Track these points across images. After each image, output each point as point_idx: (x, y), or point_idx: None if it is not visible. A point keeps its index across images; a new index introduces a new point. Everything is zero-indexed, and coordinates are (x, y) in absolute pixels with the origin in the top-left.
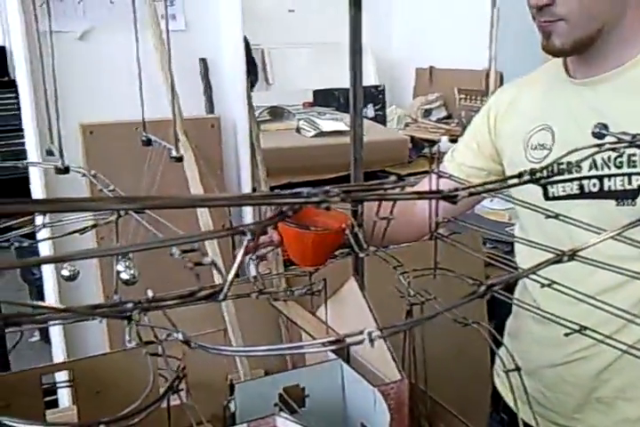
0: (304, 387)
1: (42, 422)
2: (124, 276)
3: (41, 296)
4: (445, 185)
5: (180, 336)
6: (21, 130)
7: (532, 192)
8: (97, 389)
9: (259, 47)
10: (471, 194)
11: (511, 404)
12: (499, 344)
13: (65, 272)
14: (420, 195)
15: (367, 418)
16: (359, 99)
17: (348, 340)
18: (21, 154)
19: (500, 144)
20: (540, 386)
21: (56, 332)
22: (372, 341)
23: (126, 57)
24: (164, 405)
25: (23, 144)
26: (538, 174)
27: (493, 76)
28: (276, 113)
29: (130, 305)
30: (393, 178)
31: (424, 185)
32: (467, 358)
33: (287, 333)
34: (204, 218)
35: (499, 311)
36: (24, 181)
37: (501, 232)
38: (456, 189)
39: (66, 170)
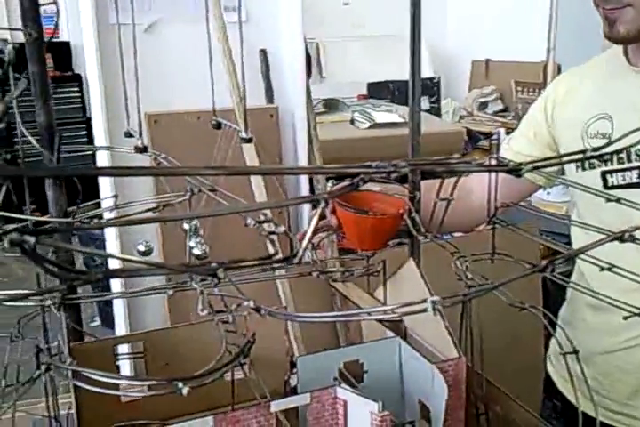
0: (363, 363)
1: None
2: (196, 251)
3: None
4: (503, 173)
5: (252, 303)
6: (84, 122)
7: (592, 181)
8: (166, 361)
9: (313, 41)
10: (535, 168)
11: (563, 390)
12: (554, 329)
13: (141, 247)
14: (487, 167)
15: (425, 395)
16: (417, 89)
17: (412, 308)
18: (85, 145)
19: (558, 133)
20: (594, 373)
21: (120, 312)
22: (435, 309)
23: (188, 48)
24: (229, 378)
25: (85, 135)
26: (597, 165)
27: (551, 69)
28: (331, 105)
29: (214, 264)
30: (457, 155)
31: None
32: (520, 345)
33: (339, 309)
34: (261, 197)
35: (552, 303)
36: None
37: (559, 217)
38: (520, 164)
39: (144, 149)
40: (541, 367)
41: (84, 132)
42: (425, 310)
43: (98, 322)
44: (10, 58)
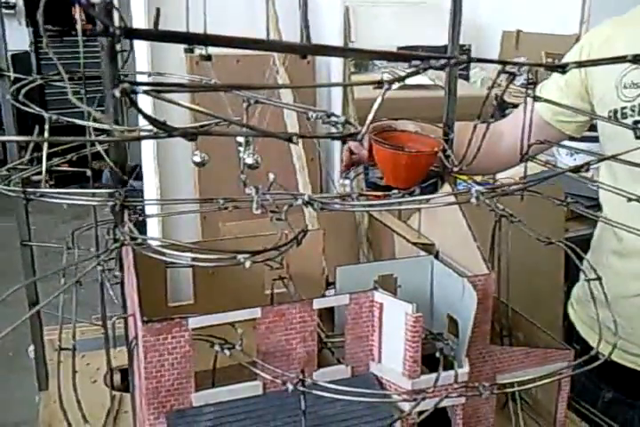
0: (397, 277)
1: (164, 295)
2: (249, 160)
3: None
4: (535, 119)
5: (306, 197)
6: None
7: (623, 130)
8: (211, 270)
9: (343, 4)
10: (580, 66)
11: (584, 335)
12: (580, 263)
13: (196, 158)
14: (535, 64)
15: (453, 309)
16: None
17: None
18: None
19: (591, 83)
20: (617, 317)
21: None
22: (477, 198)
23: None
24: (269, 291)
25: None
26: (629, 115)
27: None
28: (361, 65)
29: (285, 133)
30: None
31: (519, 112)
32: (541, 296)
33: (366, 255)
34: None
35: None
36: None
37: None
38: (566, 63)
39: (209, 57)
40: (559, 320)
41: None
42: (469, 201)
43: None
44: None
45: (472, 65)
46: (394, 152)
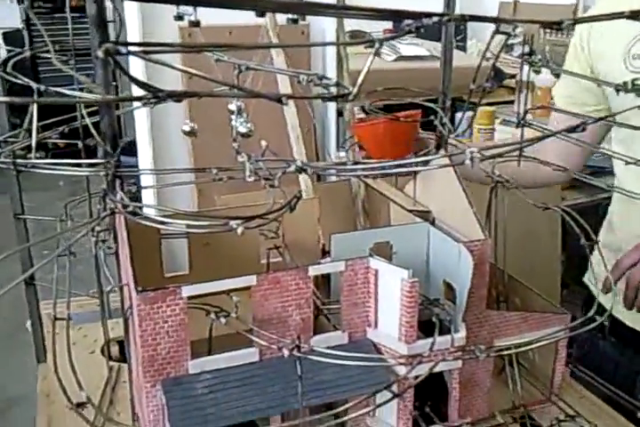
0: (392, 245)
1: (160, 266)
2: (242, 129)
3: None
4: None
5: (299, 162)
6: None
7: (633, 103)
8: (205, 241)
9: None
10: (576, 22)
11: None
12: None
13: (186, 127)
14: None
15: (450, 275)
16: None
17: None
18: None
19: (596, 56)
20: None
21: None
22: (472, 160)
23: None
24: (265, 261)
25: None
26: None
27: (581, 11)
28: (357, 37)
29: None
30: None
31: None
32: (537, 255)
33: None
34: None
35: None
36: None
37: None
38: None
39: (197, 23)
40: (556, 286)
41: None
42: (463, 162)
43: None
44: None
45: (469, 36)
46: (371, 124)
